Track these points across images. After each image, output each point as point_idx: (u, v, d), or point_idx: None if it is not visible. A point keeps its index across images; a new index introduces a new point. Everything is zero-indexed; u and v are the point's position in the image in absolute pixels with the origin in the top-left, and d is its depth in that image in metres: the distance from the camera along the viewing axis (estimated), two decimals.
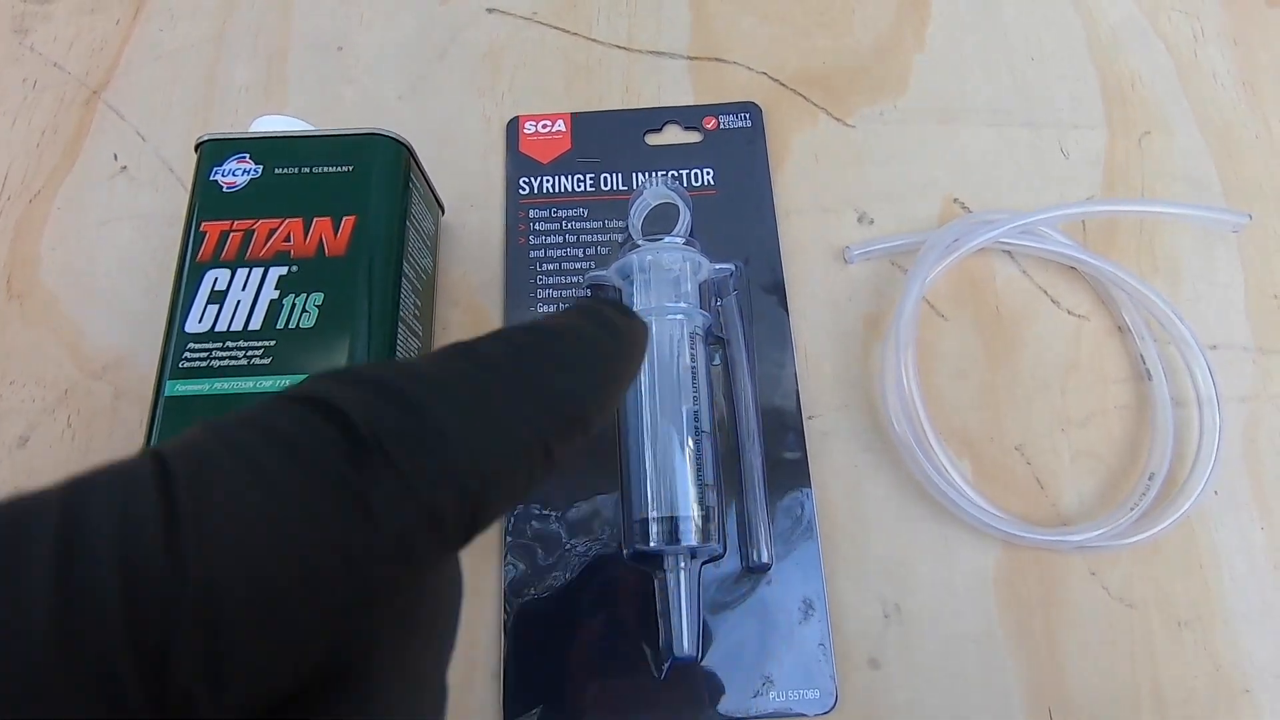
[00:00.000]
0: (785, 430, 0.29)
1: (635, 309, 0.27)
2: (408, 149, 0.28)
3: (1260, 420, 0.30)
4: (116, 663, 0.07)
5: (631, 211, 0.30)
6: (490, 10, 0.37)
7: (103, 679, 0.07)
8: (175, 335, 0.24)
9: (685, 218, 0.30)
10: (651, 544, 0.26)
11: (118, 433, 0.29)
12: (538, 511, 0.28)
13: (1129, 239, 0.33)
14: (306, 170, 0.26)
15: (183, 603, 0.07)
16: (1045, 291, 0.32)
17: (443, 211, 0.32)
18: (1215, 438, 0.28)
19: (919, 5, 0.37)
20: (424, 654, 0.11)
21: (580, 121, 0.35)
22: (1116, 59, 0.36)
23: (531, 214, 0.33)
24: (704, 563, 0.27)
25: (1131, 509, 0.28)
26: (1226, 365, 0.31)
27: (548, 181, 0.33)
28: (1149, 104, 0.35)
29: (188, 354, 0.23)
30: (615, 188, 0.33)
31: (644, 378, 0.27)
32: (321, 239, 0.25)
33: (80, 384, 0.30)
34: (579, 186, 0.33)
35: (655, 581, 0.27)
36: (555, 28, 0.37)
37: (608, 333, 0.12)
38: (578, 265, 0.32)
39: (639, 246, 0.29)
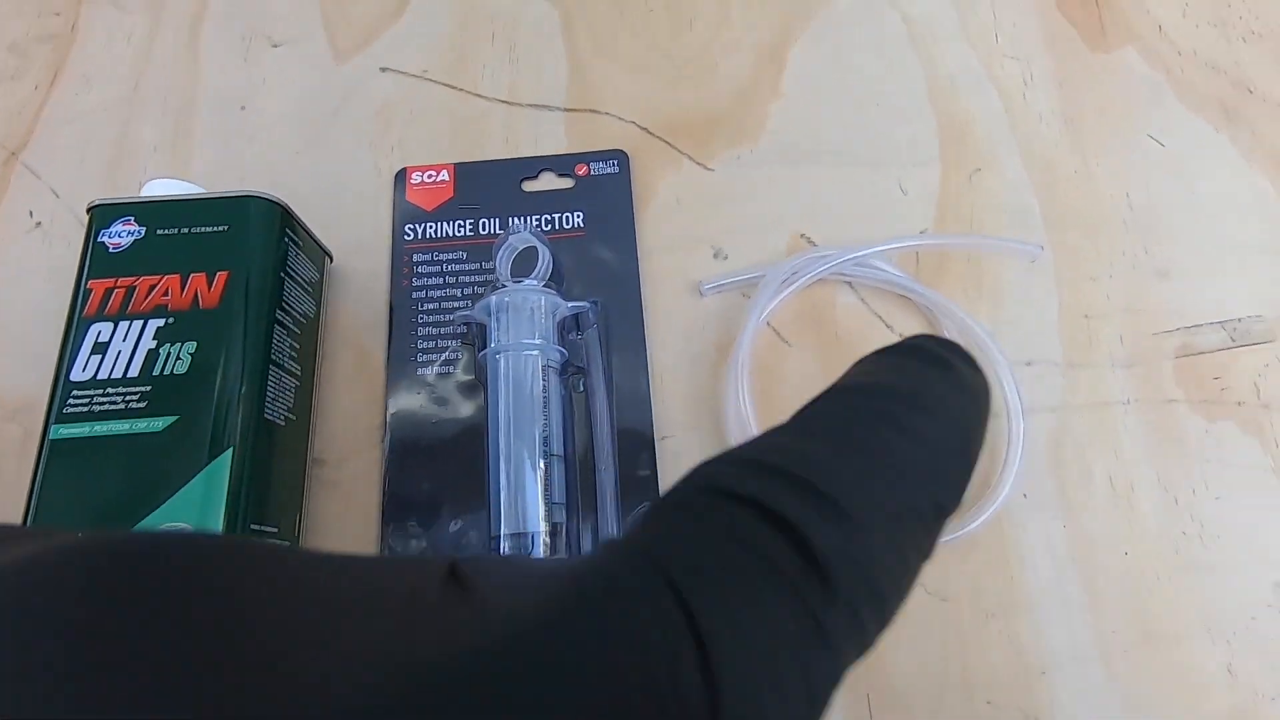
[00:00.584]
0: (640, 450, 0.32)
1: (495, 344, 0.31)
2: (283, 208, 0.31)
3: (1066, 428, 0.33)
4: None
5: (499, 255, 0.33)
6: (384, 69, 0.40)
7: None
8: (61, 384, 0.27)
9: (545, 261, 0.33)
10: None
11: (25, 468, 0.32)
12: (414, 528, 0.31)
13: (958, 266, 0.36)
14: (186, 230, 0.29)
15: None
16: (880, 318, 0.35)
17: (330, 259, 0.35)
18: (1020, 446, 0.31)
19: (776, 56, 0.41)
20: None
21: (462, 171, 0.38)
22: (953, 102, 0.40)
23: (415, 258, 0.36)
24: None
25: None
26: (1039, 379, 0.34)
27: (431, 227, 0.37)
28: (981, 143, 0.39)
29: (71, 400, 0.26)
30: (492, 232, 0.36)
31: (500, 406, 0.30)
32: (196, 292, 0.28)
33: None
34: (459, 231, 0.36)
35: None
36: (443, 84, 0.40)
37: (959, 395, 0.11)
38: (456, 305, 0.35)
39: (503, 287, 0.32)
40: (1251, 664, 0.30)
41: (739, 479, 0.10)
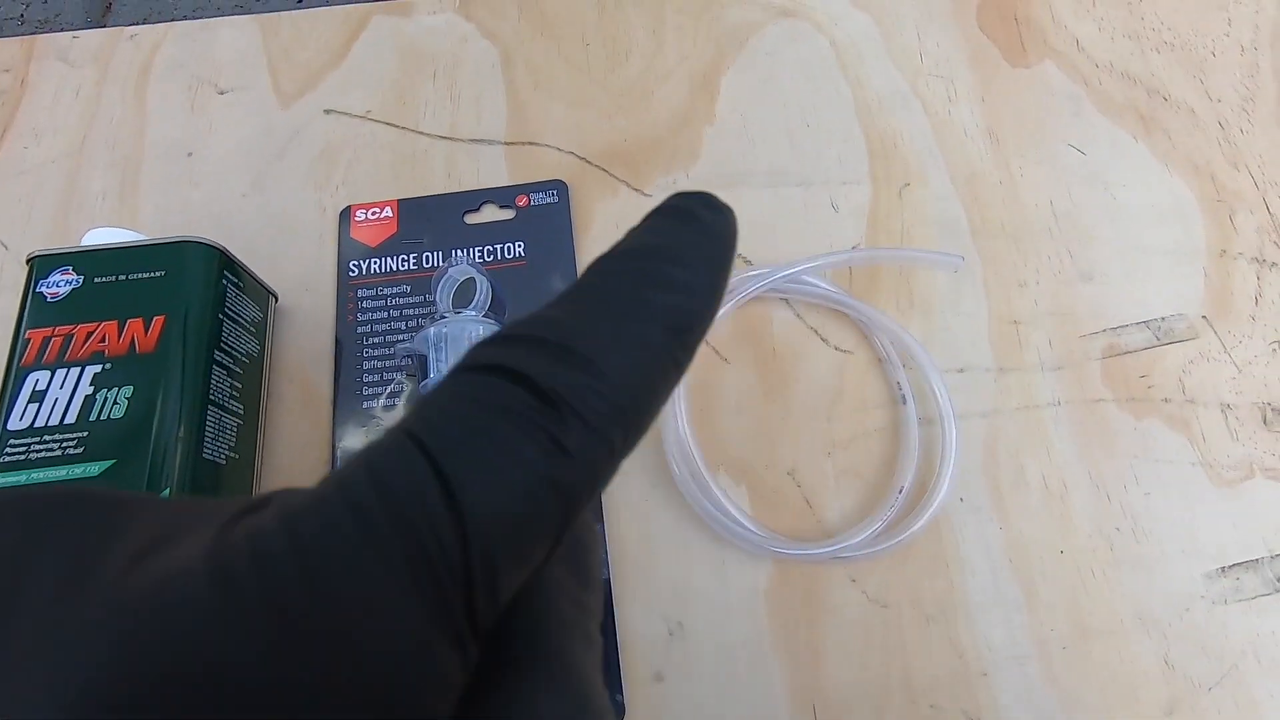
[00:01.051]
0: None
1: (435, 375, 0.31)
2: (220, 251, 0.31)
3: (998, 432, 0.34)
4: (449, 601, 0.10)
5: (439, 287, 0.34)
6: (328, 111, 0.41)
7: (441, 603, 0.10)
8: None
9: (483, 291, 0.34)
10: None
11: None
12: None
13: (889, 278, 0.37)
14: (124, 277, 0.29)
15: (472, 555, 0.10)
16: (816, 331, 0.36)
17: (275, 299, 0.36)
18: (953, 451, 0.32)
19: (709, 84, 0.42)
20: (587, 602, 0.13)
21: (406, 207, 0.39)
22: (881, 121, 0.41)
23: (360, 293, 0.37)
24: None
25: (882, 520, 0.32)
26: (972, 385, 0.35)
27: (375, 263, 0.37)
28: (908, 159, 0.40)
29: (9, 449, 0.27)
30: (436, 265, 0.37)
31: None
32: (133, 337, 0.28)
33: None
34: (403, 266, 0.37)
35: None
36: (386, 123, 0.41)
37: (704, 236, 0.13)
38: (400, 338, 0.36)
39: (444, 319, 0.33)
40: (1188, 655, 0.30)
41: (485, 353, 0.11)
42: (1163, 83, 0.42)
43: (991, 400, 0.35)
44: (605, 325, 0.11)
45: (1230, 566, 0.32)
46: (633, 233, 0.13)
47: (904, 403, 0.34)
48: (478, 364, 0.11)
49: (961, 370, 0.35)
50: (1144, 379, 0.35)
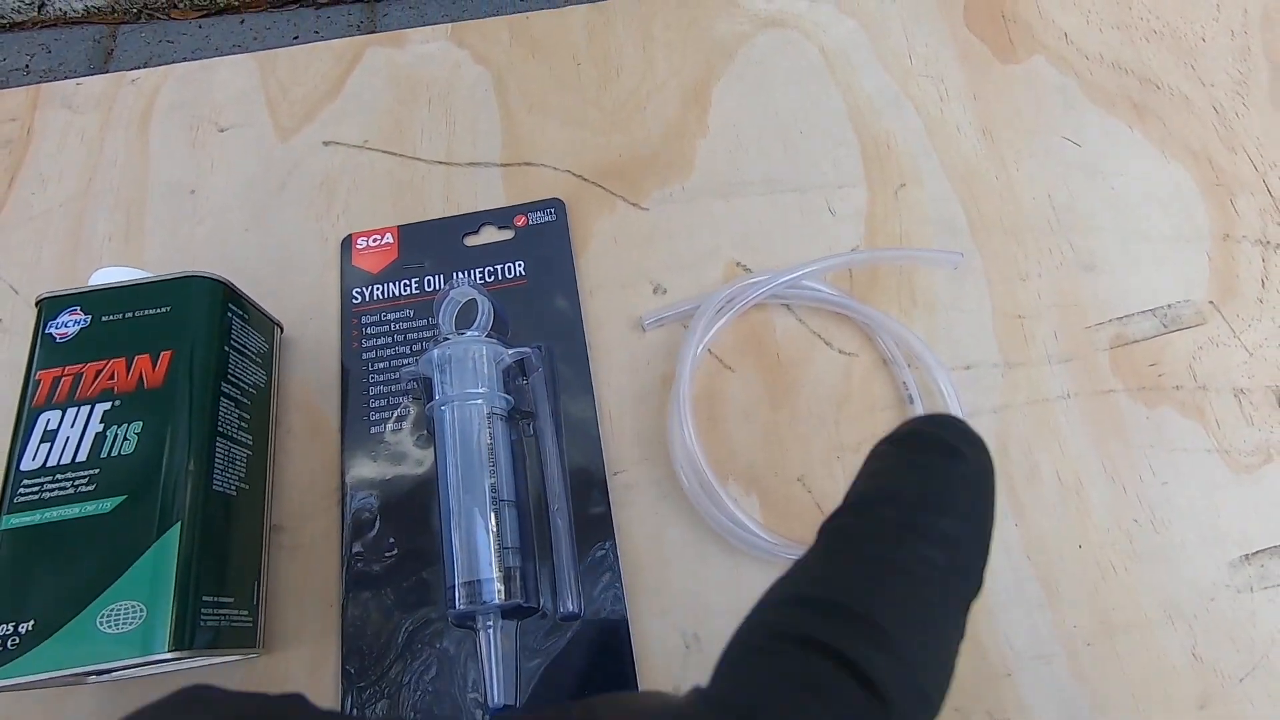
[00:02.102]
0: (592, 488, 0.33)
1: (440, 396, 0.31)
2: (224, 284, 0.32)
3: (1010, 427, 0.34)
4: None
5: (441, 310, 0.34)
6: (326, 143, 0.42)
7: None
8: (12, 474, 0.27)
9: (485, 312, 0.34)
10: (459, 606, 0.29)
11: None
12: (375, 589, 0.31)
13: (890, 279, 0.37)
14: (130, 315, 0.30)
15: None
16: (819, 335, 0.36)
17: (281, 329, 0.36)
18: None
19: (700, 96, 0.42)
20: None
21: (406, 232, 0.39)
22: (873, 123, 0.41)
23: (364, 320, 0.37)
24: (522, 618, 0.30)
25: None
26: (979, 382, 0.35)
27: (378, 289, 0.38)
28: (903, 160, 0.40)
29: (22, 490, 0.27)
30: (437, 288, 0.37)
31: (448, 457, 0.31)
32: (141, 373, 0.29)
33: None
34: (405, 291, 0.38)
35: (473, 640, 0.30)
36: (384, 152, 0.42)
37: (968, 479, 0.12)
38: (405, 362, 0.36)
39: (447, 340, 0.33)
40: (1216, 647, 0.30)
41: (793, 620, 0.11)
42: (1154, 71, 0.42)
43: (1000, 396, 0.34)
44: (901, 597, 0.11)
45: (1254, 553, 0.31)
46: (890, 468, 0.12)
47: (911, 403, 0.34)
48: (787, 631, 0.11)
49: (968, 367, 0.35)
50: (1154, 367, 0.35)
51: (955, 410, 0.33)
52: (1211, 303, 0.36)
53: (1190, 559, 0.31)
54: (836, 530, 0.12)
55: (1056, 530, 0.32)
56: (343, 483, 0.34)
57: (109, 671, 0.25)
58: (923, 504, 0.12)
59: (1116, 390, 0.34)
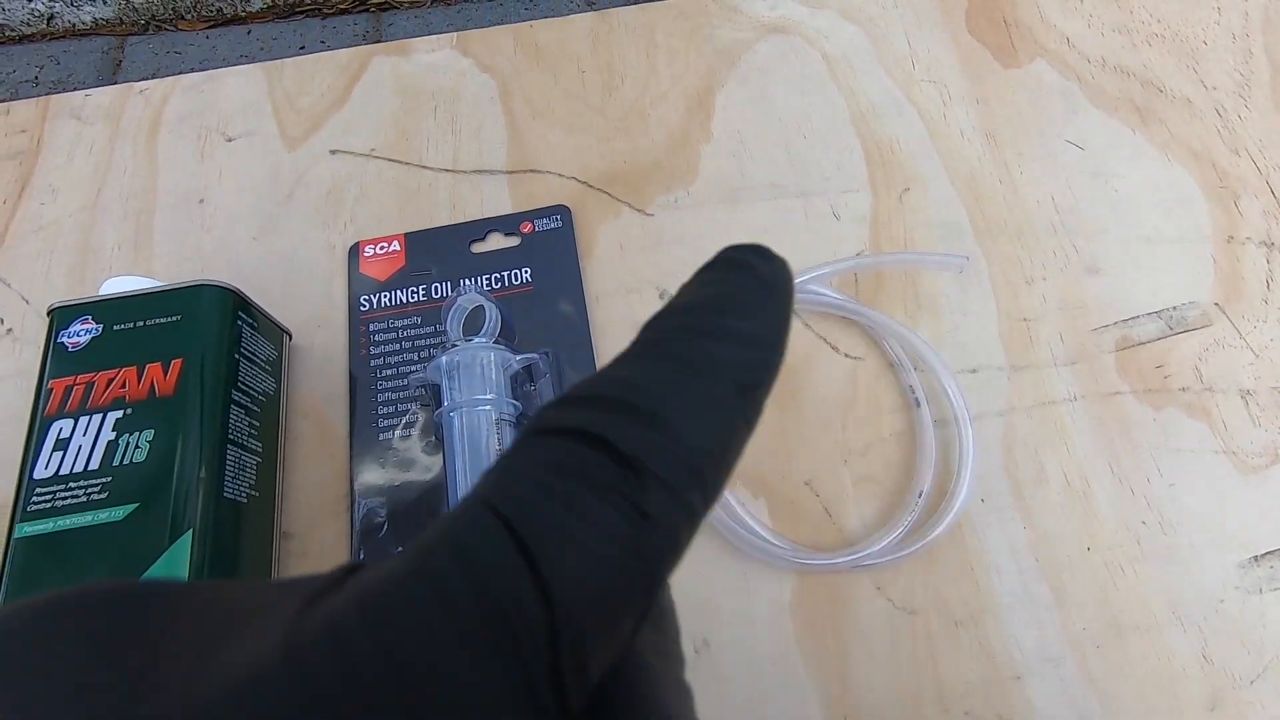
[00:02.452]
0: None
1: (449, 403, 0.31)
2: (234, 292, 0.32)
3: (1016, 431, 0.34)
4: (537, 683, 0.09)
5: (449, 317, 0.35)
6: (333, 152, 0.42)
7: (529, 688, 0.09)
8: (25, 483, 0.27)
9: (493, 318, 0.34)
10: None
11: None
12: None
13: (895, 283, 0.37)
14: (141, 323, 0.30)
15: (560, 634, 0.09)
16: (825, 339, 0.36)
17: (289, 337, 0.36)
18: (970, 452, 0.32)
19: (704, 103, 0.43)
20: (672, 651, 0.13)
21: (413, 240, 0.39)
22: (876, 128, 0.41)
23: (371, 327, 0.37)
24: None
25: (903, 526, 0.31)
26: (985, 385, 0.35)
27: (385, 296, 0.38)
28: (906, 164, 0.40)
29: (35, 498, 0.27)
30: (445, 295, 0.38)
31: (457, 463, 0.31)
32: (153, 382, 0.29)
33: None
34: (413, 298, 0.38)
35: None
36: (390, 160, 0.42)
37: (762, 286, 0.13)
38: (413, 369, 0.36)
39: (454, 347, 0.33)
40: (1226, 649, 0.30)
41: (558, 415, 0.11)
42: (1156, 74, 0.42)
43: (1006, 399, 0.34)
44: (675, 384, 0.11)
45: (1262, 555, 0.31)
46: (687, 287, 0.13)
47: (918, 406, 0.34)
48: (551, 427, 0.11)
49: (974, 370, 0.35)
50: (1160, 369, 0.35)
51: (962, 415, 0.33)
52: (1217, 304, 0.36)
53: (1199, 561, 0.31)
54: (634, 342, 0.12)
55: (1064, 532, 0.32)
56: (351, 489, 0.34)
57: None
58: (713, 308, 0.12)
59: (1123, 392, 0.34)
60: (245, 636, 0.10)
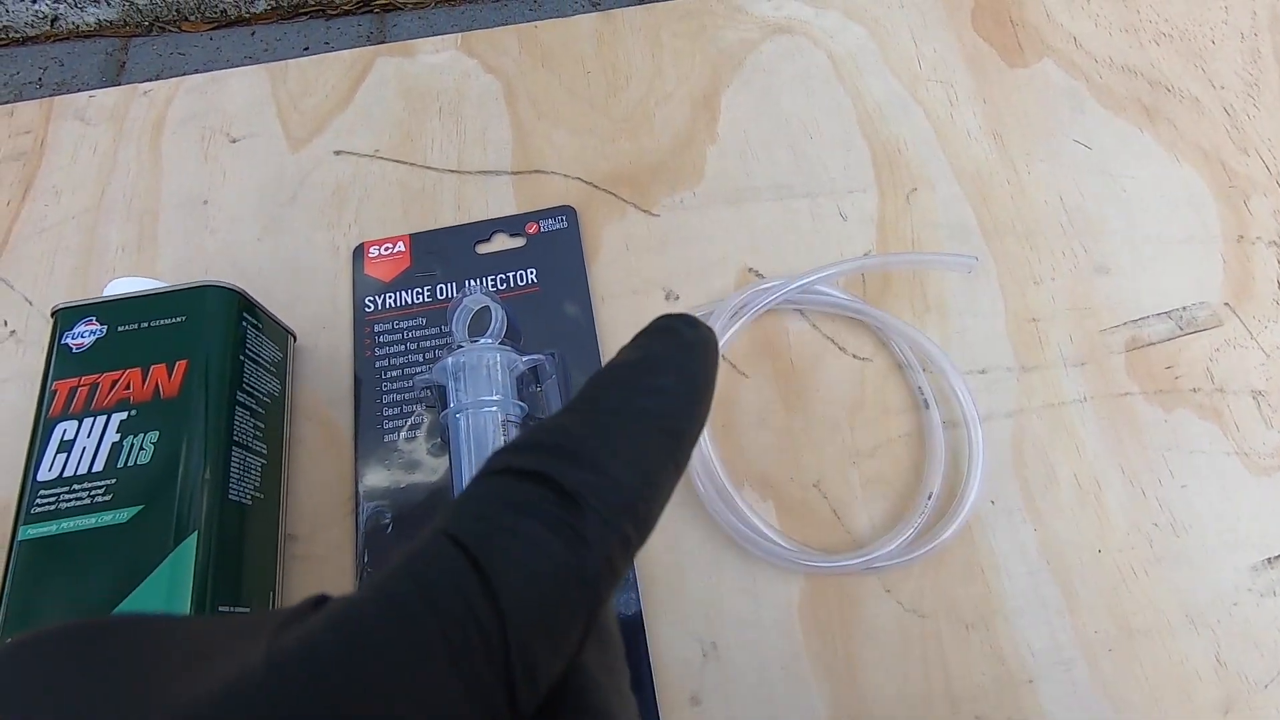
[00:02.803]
0: None
1: (455, 404, 0.31)
2: (239, 293, 0.32)
3: (1025, 431, 0.33)
4: (489, 684, 0.10)
5: (454, 318, 0.34)
6: (337, 153, 0.42)
7: (483, 691, 0.10)
8: (29, 485, 0.27)
9: (498, 319, 0.34)
10: None
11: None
12: None
13: (903, 283, 0.37)
14: (146, 324, 0.30)
15: (510, 641, 0.11)
16: (832, 340, 0.36)
17: (294, 339, 0.36)
18: (980, 453, 0.32)
19: (709, 103, 0.42)
20: (616, 666, 0.14)
21: (418, 241, 0.39)
22: (883, 128, 0.41)
23: (376, 328, 0.37)
24: None
25: (913, 527, 0.31)
26: (994, 385, 0.34)
27: (390, 297, 0.38)
28: (913, 164, 0.40)
29: (39, 500, 0.27)
30: (450, 295, 0.38)
31: (463, 464, 0.31)
32: (157, 383, 0.29)
33: None
34: (418, 299, 0.38)
35: None
36: (395, 160, 0.42)
37: (683, 348, 0.15)
38: (418, 370, 0.36)
39: (460, 348, 0.33)
40: (1239, 652, 0.29)
41: (508, 458, 0.13)
42: (1164, 73, 0.42)
43: (1016, 400, 0.34)
44: (609, 431, 0.13)
45: (1276, 557, 0.31)
46: (623, 350, 0.15)
47: (927, 407, 0.34)
48: (501, 468, 0.13)
49: (983, 371, 0.35)
50: (1170, 370, 0.35)
51: (971, 415, 0.33)
52: (1227, 304, 0.36)
53: (1211, 563, 0.31)
54: (575, 396, 0.14)
55: (1075, 535, 0.32)
56: (356, 491, 0.33)
57: None
58: (643, 367, 0.15)
59: (1133, 393, 0.34)
60: (227, 655, 0.11)
